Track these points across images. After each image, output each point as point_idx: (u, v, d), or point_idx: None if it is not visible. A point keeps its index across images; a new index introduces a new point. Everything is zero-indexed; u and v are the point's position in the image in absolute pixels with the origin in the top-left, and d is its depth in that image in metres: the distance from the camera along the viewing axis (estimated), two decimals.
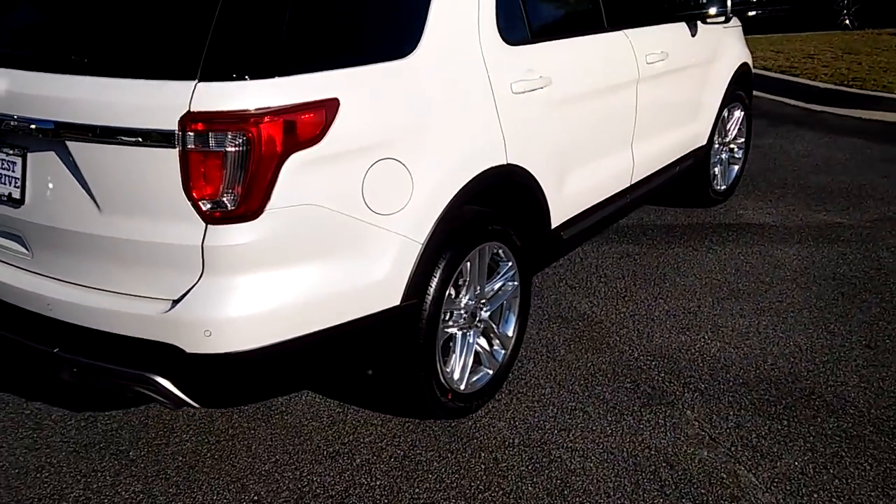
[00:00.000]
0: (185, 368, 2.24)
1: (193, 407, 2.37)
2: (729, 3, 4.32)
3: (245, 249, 2.21)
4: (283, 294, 2.28)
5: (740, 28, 5.07)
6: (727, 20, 4.43)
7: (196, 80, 2.12)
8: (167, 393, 2.27)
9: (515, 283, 3.16)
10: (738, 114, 5.26)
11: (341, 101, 2.30)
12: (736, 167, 5.45)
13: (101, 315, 2.29)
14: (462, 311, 2.94)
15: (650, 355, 3.46)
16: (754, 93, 8.89)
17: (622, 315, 3.82)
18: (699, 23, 4.37)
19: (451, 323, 2.92)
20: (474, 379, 3.05)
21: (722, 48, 4.74)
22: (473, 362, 3.06)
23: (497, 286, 3.10)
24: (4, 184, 2.49)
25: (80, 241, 2.35)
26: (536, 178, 3.09)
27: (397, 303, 2.55)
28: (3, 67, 2.41)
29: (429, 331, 2.69)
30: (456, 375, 2.93)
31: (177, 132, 2.11)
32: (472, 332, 3.01)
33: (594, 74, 3.41)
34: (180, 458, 2.78)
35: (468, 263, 2.88)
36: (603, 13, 3.59)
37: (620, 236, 4.79)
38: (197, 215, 2.17)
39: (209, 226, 2.18)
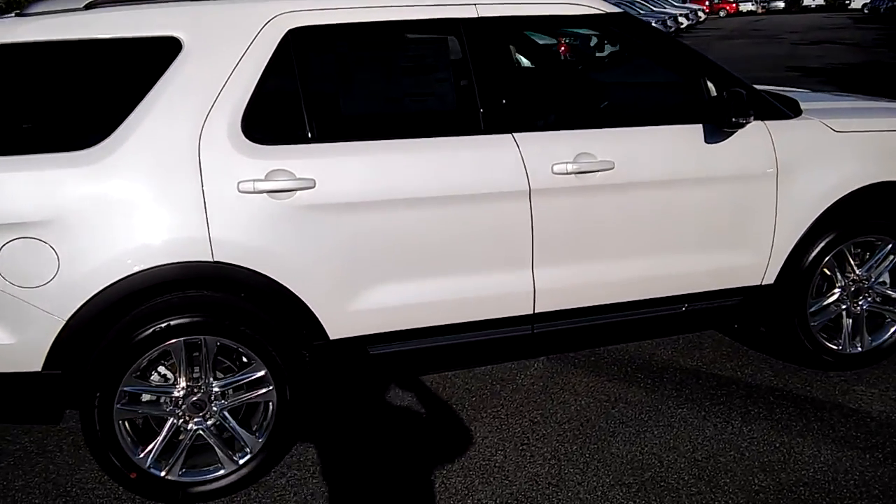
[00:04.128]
0: None
1: None
2: (734, 108, 3.25)
3: None
4: None
5: (870, 134, 3.69)
6: (732, 126, 3.32)
7: None
8: None
9: (269, 387, 3.04)
10: (886, 251, 3.82)
11: None
12: (895, 326, 3.94)
13: None
14: (178, 398, 2.98)
15: None
16: None
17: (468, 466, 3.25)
18: (742, 128, 3.37)
19: (162, 406, 2.98)
20: (199, 472, 3.04)
21: (806, 161, 3.53)
22: (212, 455, 3.06)
23: (235, 384, 3.03)
24: None
25: None
26: (280, 281, 2.93)
27: (38, 369, 2.78)
28: None
29: (100, 406, 2.84)
30: (149, 460, 2.96)
31: None
32: (193, 423, 3.01)
33: (410, 180, 3.01)
34: None
35: (174, 352, 2.91)
36: (480, 115, 3.13)
37: (652, 376, 3.92)
38: None
39: None
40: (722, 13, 61.59)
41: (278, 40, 2.95)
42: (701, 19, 44.91)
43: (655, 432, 3.43)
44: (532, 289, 3.27)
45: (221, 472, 3.05)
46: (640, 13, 31.68)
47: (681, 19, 36.33)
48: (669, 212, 3.39)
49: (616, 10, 3.46)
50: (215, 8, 2.96)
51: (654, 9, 35.95)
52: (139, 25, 2.88)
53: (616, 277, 3.38)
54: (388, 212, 3.00)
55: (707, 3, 57.45)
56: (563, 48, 19.96)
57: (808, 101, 3.96)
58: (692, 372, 3.97)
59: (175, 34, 2.88)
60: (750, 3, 67.73)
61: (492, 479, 3.13)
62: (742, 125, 3.29)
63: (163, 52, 2.87)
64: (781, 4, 71.19)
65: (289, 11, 2.98)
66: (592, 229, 3.30)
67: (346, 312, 3.06)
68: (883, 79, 15.77)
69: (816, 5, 69.48)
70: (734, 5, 64.09)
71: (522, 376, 3.95)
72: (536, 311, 3.30)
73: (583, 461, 3.23)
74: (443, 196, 3.05)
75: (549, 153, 3.18)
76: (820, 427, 3.43)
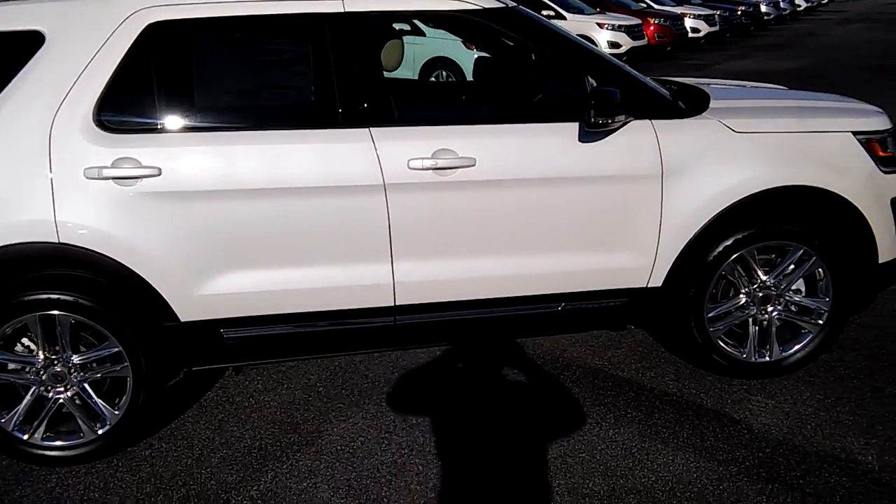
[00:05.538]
0: None
1: None
2: (597, 108, 3.15)
3: None
4: None
5: (776, 135, 3.49)
6: (594, 126, 3.21)
7: None
8: None
9: (125, 363, 3.22)
10: (796, 258, 3.62)
11: None
12: (809, 337, 3.74)
13: None
14: (38, 368, 3.20)
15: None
16: None
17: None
18: (607, 128, 3.27)
19: (26, 374, 3.20)
20: (60, 438, 3.27)
21: (697, 162, 3.38)
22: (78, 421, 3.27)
23: (95, 358, 3.21)
24: None
25: None
26: (126, 263, 3.08)
27: None
28: None
29: None
30: (13, 423, 3.20)
31: None
32: (54, 392, 3.23)
33: (259, 171, 3.08)
34: None
35: (30, 325, 3.12)
36: (337, 109, 3.17)
37: (551, 372, 3.88)
38: None
39: None
40: None
41: (137, 34, 3.09)
42: (823, 1, 42.57)
43: (517, 429, 3.41)
44: (392, 281, 3.30)
45: (82, 440, 3.25)
46: None
47: (798, 1, 34.62)
48: (537, 210, 3.34)
49: (498, 4, 3.41)
50: (79, 3, 3.13)
51: None
52: (7, 20, 3.08)
53: (482, 273, 3.37)
54: (236, 201, 3.10)
55: None
56: (652, 28, 19.45)
57: (727, 98, 3.82)
58: (594, 371, 3.90)
59: (38, 28, 3.07)
60: None
61: (337, 462, 3.21)
62: (606, 125, 3.20)
63: (26, 44, 3.06)
64: None
65: (149, 6, 3.12)
66: (454, 225, 3.29)
67: (195, 296, 3.19)
68: None
69: None
70: None
71: (426, 365, 3.99)
72: (398, 304, 3.34)
73: (431, 452, 3.26)
74: (293, 187, 3.12)
75: (404, 148, 3.19)
76: (689, 435, 3.32)
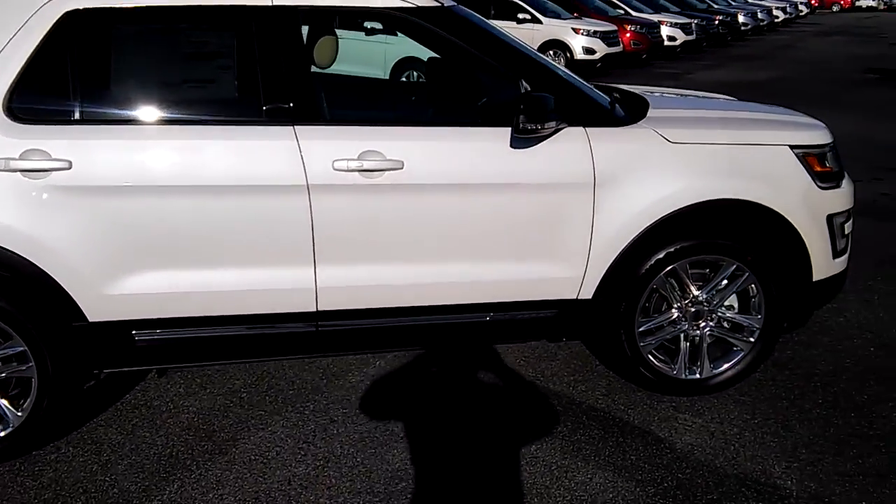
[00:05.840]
0: None
1: None
2: (525, 114, 3.09)
3: None
4: None
5: (713, 147, 3.43)
6: (522, 133, 3.14)
7: None
8: None
9: (30, 363, 3.10)
10: (729, 274, 3.57)
11: None
12: (740, 355, 3.69)
13: None
14: None
15: None
16: None
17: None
18: (537, 134, 3.18)
19: None
20: None
21: (630, 172, 3.31)
22: None
23: None
24: None
25: None
26: (31, 259, 2.96)
27: None
28: None
29: None
30: None
31: None
32: None
33: (176, 167, 2.97)
34: None
35: None
36: (261, 105, 3.08)
37: (476, 384, 3.80)
38: None
39: None
40: (835, 8, 58.92)
41: (53, 21, 2.98)
42: (802, 13, 43.00)
43: (436, 443, 3.32)
44: (314, 286, 3.21)
45: None
46: (731, 3, 30.77)
47: (776, 13, 34.86)
48: (466, 217, 3.26)
49: (433, 3, 3.33)
50: None
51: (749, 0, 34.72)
52: None
53: (408, 280, 3.29)
54: (150, 197, 2.99)
55: None
56: (628, 35, 19.43)
57: (666, 107, 3.76)
58: (525, 383, 3.83)
59: None
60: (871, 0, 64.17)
61: (248, 473, 3.11)
62: (535, 131, 3.13)
63: None
64: None
65: None
66: (379, 230, 3.21)
67: (105, 296, 3.07)
68: None
69: None
70: (848, 0, 61.04)
71: (356, 373, 3.89)
72: (320, 309, 3.24)
73: (347, 464, 3.17)
74: (211, 185, 3.02)
75: (330, 148, 3.10)
76: (611, 453, 3.25)
